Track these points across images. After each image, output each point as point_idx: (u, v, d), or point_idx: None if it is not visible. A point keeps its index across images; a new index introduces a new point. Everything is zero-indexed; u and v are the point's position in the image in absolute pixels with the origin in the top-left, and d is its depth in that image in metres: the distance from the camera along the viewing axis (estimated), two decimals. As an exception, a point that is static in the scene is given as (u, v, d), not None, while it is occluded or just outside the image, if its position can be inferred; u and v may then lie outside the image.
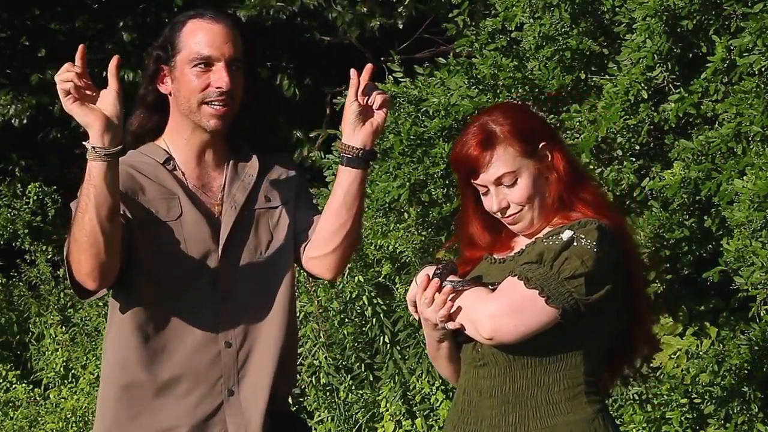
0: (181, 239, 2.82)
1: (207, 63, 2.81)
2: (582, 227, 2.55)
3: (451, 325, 2.57)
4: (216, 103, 2.81)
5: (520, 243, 2.70)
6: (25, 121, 9.75)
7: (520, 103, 2.68)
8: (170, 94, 2.88)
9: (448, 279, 2.57)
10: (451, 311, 2.55)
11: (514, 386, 2.57)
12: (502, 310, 2.50)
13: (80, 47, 2.63)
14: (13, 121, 9.74)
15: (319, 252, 2.88)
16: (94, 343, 7.75)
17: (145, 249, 2.79)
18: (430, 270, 2.62)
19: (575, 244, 2.52)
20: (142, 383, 2.82)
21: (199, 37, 2.82)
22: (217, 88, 2.80)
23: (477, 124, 2.64)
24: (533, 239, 2.63)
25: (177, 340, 2.82)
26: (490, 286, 2.57)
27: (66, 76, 2.61)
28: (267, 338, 2.86)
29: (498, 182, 2.61)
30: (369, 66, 2.81)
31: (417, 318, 2.71)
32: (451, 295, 2.55)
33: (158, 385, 2.81)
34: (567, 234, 2.54)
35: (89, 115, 2.61)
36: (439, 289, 2.55)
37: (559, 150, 2.66)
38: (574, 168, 2.70)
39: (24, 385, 8.06)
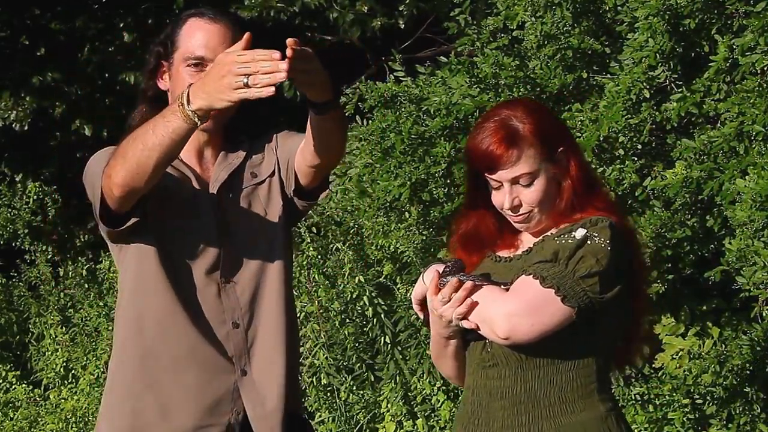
0: (189, 218, 2.84)
1: (200, 63, 2.81)
2: (594, 225, 2.53)
3: (466, 324, 2.54)
4: None
5: (525, 241, 2.68)
6: (26, 128, 9.75)
7: (536, 101, 2.66)
8: (168, 91, 2.89)
9: (459, 276, 2.54)
10: (469, 309, 2.52)
11: (525, 386, 2.55)
12: (519, 309, 2.47)
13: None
14: (14, 125, 9.73)
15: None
16: (94, 343, 7.74)
17: (158, 227, 2.81)
18: (439, 267, 2.60)
19: (589, 242, 2.51)
20: (158, 354, 2.82)
21: (196, 36, 2.82)
22: None
23: (498, 119, 2.59)
24: (541, 237, 2.61)
25: (186, 322, 2.82)
26: (502, 285, 2.55)
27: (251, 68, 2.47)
28: (270, 315, 2.87)
29: (515, 181, 2.58)
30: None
31: (422, 317, 2.69)
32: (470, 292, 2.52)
33: (172, 359, 2.81)
34: (580, 232, 2.52)
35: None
36: (458, 286, 2.52)
37: (575, 156, 2.63)
38: (588, 175, 2.67)
39: (24, 385, 8.05)
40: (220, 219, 2.86)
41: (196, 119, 2.55)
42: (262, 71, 2.45)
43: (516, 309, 2.47)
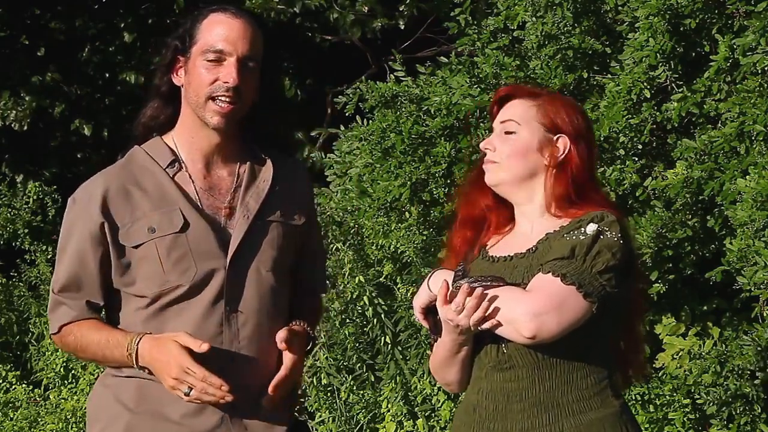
0: (186, 251, 2.75)
1: (219, 57, 2.75)
2: (602, 220, 2.55)
3: (486, 326, 2.52)
4: (222, 98, 2.74)
5: (524, 239, 2.66)
6: (25, 128, 9.74)
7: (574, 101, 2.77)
8: (182, 86, 2.82)
9: (471, 279, 2.52)
10: (487, 313, 2.50)
11: (543, 386, 2.56)
12: (544, 307, 2.47)
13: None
14: (13, 125, 9.72)
15: None
16: (94, 343, 7.72)
17: (146, 267, 2.75)
18: (445, 275, 2.58)
19: (602, 237, 2.53)
20: (151, 382, 2.78)
21: (217, 30, 2.76)
22: (225, 83, 2.73)
23: (530, 84, 2.71)
24: (545, 235, 2.61)
25: None
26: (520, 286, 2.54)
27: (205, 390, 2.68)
28: (270, 348, 2.80)
29: (503, 122, 2.66)
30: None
31: (426, 325, 2.67)
32: (485, 295, 2.51)
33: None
34: (592, 227, 2.54)
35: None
36: (470, 292, 2.50)
37: (578, 148, 2.64)
38: (590, 172, 2.67)
39: (24, 385, 8.04)
40: (230, 246, 2.79)
41: (143, 372, 2.74)
42: (208, 392, 2.66)
43: (541, 307, 2.47)
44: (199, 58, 2.76)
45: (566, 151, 2.63)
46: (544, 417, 2.55)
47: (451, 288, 2.53)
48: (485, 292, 2.50)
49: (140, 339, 2.71)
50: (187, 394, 2.65)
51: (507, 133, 2.65)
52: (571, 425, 2.54)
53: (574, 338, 2.51)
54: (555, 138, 2.64)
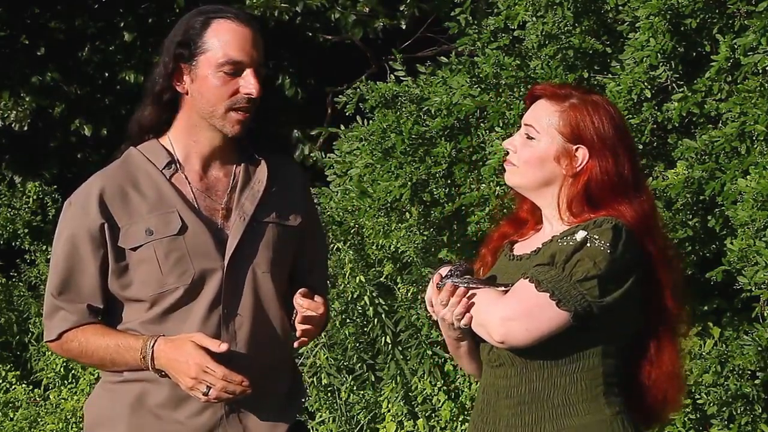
0: (184, 253, 2.75)
1: (236, 68, 2.72)
2: (597, 227, 2.51)
3: (464, 322, 2.55)
4: (243, 109, 2.74)
5: (542, 240, 2.66)
6: (25, 128, 9.74)
7: (608, 105, 2.65)
8: (187, 93, 2.78)
9: (462, 278, 2.55)
10: (467, 312, 2.54)
11: (530, 387, 2.56)
12: (513, 313, 2.47)
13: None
14: (13, 125, 9.72)
15: None
16: (94, 343, 7.71)
17: (144, 270, 2.75)
18: (444, 270, 2.60)
19: (588, 245, 2.48)
20: (150, 385, 2.79)
21: (228, 39, 2.72)
22: (247, 94, 2.72)
23: (569, 86, 2.68)
24: (550, 237, 2.60)
25: None
26: (502, 287, 2.55)
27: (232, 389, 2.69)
28: (265, 349, 2.81)
29: (526, 125, 2.63)
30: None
31: (435, 318, 2.70)
32: (468, 294, 2.54)
33: (166, 389, 2.78)
34: (581, 234, 2.50)
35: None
36: (454, 290, 2.54)
37: (600, 160, 2.57)
38: (607, 188, 2.58)
39: (24, 385, 8.05)
40: (226, 248, 2.78)
41: (158, 375, 2.74)
42: (228, 390, 2.66)
43: (511, 313, 2.48)
44: (212, 69, 2.72)
45: (584, 162, 2.59)
46: (528, 417, 2.56)
47: (439, 284, 2.57)
48: (470, 289, 2.54)
49: (155, 341, 2.71)
50: (205, 394, 2.65)
51: (528, 137, 2.63)
52: (552, 428, 2.53)
53: (562, 344, 2.50)
54: (575, 148, 2.59)
